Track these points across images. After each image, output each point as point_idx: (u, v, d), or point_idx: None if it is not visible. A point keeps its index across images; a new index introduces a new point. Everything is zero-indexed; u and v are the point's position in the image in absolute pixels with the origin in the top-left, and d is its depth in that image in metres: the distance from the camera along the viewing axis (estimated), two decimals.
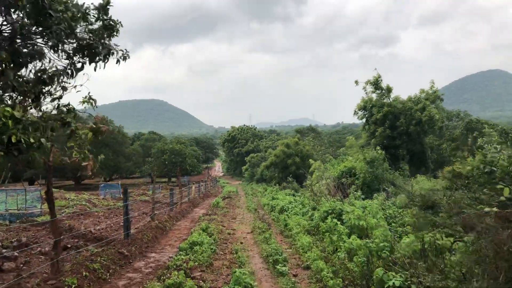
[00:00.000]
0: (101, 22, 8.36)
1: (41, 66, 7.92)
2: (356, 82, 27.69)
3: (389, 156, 21.25)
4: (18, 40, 7.58)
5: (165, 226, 12.97)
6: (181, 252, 8.88)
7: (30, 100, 7.72)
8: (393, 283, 5.04)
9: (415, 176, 18.06)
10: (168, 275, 6.95)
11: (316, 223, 11.21)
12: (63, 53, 8.22)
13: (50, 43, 7.71)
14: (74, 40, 8.16)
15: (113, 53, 8.63)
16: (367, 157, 17.86)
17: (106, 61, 8.62)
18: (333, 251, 8.34)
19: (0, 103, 6.64)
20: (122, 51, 8.76)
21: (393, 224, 9.64)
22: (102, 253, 8.03)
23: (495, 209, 3.93)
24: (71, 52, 8.30)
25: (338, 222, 9.63)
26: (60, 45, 7.83)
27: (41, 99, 7.82)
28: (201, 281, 6.82)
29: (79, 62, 8.42)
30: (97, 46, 8.34)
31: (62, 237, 9.37)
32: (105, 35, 8.54)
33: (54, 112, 7.73)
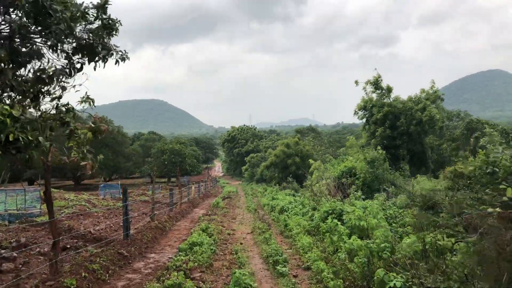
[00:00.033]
0: (100, 21, 8.32)
1: (40, 66, 7.89)
2: (356, 82, 27.67)
3: (390, 156, 21.22)
4: (17, 40, 7.55)
5: (164, 227, 12.93)
6: (180, 253, 8.84)
7: (29, 99, 7.69)
8: (394, 284, 5.00)
9: (415, 176, 18.02)
10: (168, 276, 6.91)
11: (316, 224, 11.17)
12: (62, 53, 8.19)
13: (49, 43, 7.68)
14: (73, 40, 8.12)
15: (112, 54, 8.60)
16: (368, 157, 17.82)
17: (105, 61, 8.59)
18: (334, 251, 8.30)
19: None
20: (121, 52, 8.72)
21: (393, 224, 9.60)
22: (102, 254, 7.99)
23: (498, 209, 3.89)
24: (70, 52, 8.27)
25: (339, 223, 9.59)
26: (59, 45, 7.79)
27: (40, 99, 7.79)
28: (200, 282, 6.78)
29: (78, 62, 8.39)
30: (96, 46, 8.30)
31: (61, 237, 9.34)
32: (105, 35, 8.51)
33: (53, 111, 7.70)
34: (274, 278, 7.29)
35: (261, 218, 15.60)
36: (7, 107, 5.10)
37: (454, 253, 5.65)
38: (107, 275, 7.12)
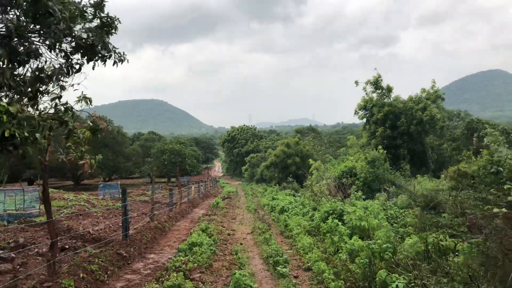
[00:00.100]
0: (98, 20, 8.26)
1: (38, 65, 7.83)
2: (356, 82, 27.63)
3: (390, 156, 21.16)
4: (15, 39, 7.49)
5: (164, 227, 12.86)
6: (180, 253, 8.77)
7: (27, 98, 7.62)
8: (397, 285, 4.94)
9: (415, 176, 17.97)
10: (167, 276, 6.85)
11: (316, 224, 11.10)
12: (61, 52, 8.13)
13: (47, 42, 7.61)
14: (72, 39, 8.06)
15: (111, 55, 8.54)
16: (368, 157, 17.76)
17: (104, 61, 8.53)
18: (334, 252, 8.23)
19: None
20: (120, 53, 8.66)
21: (394, 224, 9.54)
22: (100, 254, 7.92)
23: (504, 209, 3.82)
24: (68, 51, 8.21)
25: (339, 223, 9.52)
26: (58, 44, 7.73)
27: (38, 98, 7.72)
28: (200, 283, 6.72)
29: (77, 63, 8.33)
30: (96, 45, 8.24)
31: (60, 238, 9.27)
32: (104, 33, 8.44)
33: (52, 111, 7.63)
34: (274, 279, 7.22)
35: (261, 218, 15.53)
36: (4, 103, 5.03)
37: (457, 253, 5.59)
38: (106, 276, 7.05)
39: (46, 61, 7.96)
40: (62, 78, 7.99)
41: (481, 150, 8.01)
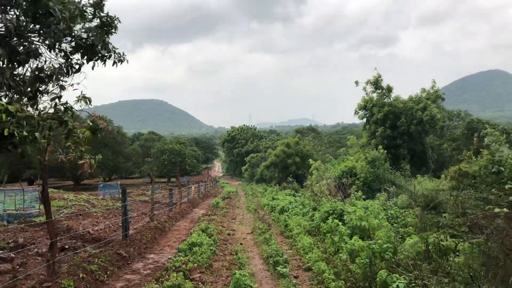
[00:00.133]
0: (98, 20, 8.25)
1: (38, 65, 7.81)
2: (356, 82, 27.63)
3: (390, 156, 21.15)
4: (14, 39, 7.47)
5: (164, 227, 12.84)
6: (180, 253, 8.75)
7: (26, 98, 7.61)
8: (397, 285, 4.92)
9: (415, 176, 17.95)
10: (167, 276, 6.83)
11: (317, 224, 11.09)
12: (61, 52, 8.11)
13: (47, 42, 7.59)
14: (72, 39, 8.05)
15: (110, 55, 8.53)
16: (369, 157, 17.74)
17: (104, 61, 8.51)
18: (335, 252, 8.21)
19: None
20: (119, 54, 8.65)
21: (395, 224, 9.52)
22: (100, 254, 7.90)
23: (505, 209, 3.80)
24: (68, 51, 8.20)
25: (340, 223, 9.50)
26: (57, 44, 7.72)
27: (38, 98, 7.71)
28: (200, 283, 6.70)
29: (77, 63, 8.31)
30: (96, 45, 8.23)
31: (60, 238, 9.25)
32: (104, 33, 8.43)
33: (51, 110, 7.61)
34: (274, 279, 7.20)
35: (261, 218, 15.51)
36: (3, 102, 5.02)
37: (457, 254, 5.57)
38: (106, 276, 7.03)
39: (45, 61, 7.96)
40: (61, 78, 7.98)
41: (481, 150, 7.99)
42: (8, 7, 7.43)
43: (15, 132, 4.89)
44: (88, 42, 8.26)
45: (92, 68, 8.45)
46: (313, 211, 13.50)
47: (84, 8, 8.00)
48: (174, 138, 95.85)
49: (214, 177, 67.16)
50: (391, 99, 27.33)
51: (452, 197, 5.40)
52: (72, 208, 16.40)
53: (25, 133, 4.99)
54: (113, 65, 8.71)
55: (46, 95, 7.88)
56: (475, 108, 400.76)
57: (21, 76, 7.67)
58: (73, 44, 8.17)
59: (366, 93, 27.61)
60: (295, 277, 7.25)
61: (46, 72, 7.75)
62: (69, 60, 8.29)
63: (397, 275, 5.12)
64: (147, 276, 7.31)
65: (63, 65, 8.09)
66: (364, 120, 28.61)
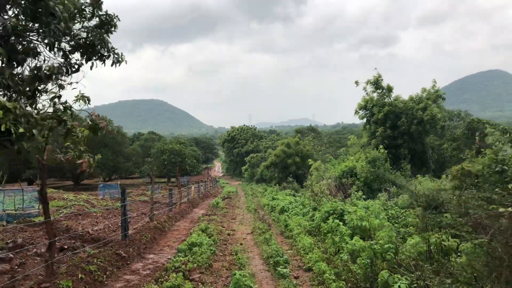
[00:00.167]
0: (97, 19, 8.20)
1: (37, 64, 7.76)
2: (357, 82, 27.59)
3: (391, 155, 21.10)
4: (13, 38, 7.43)
5: (164, 227, 12.79)
6: (179, 254, 8.70)
7: (25, 98, 7.56)
8: (399, 286, 4.87)
9: (416, 177, 17.91)
10: (166, 277, 6.78)
11: (317, 224, 11.04)
12: (59, 51, 8.06)
13: (46, 41, 7.55)
14: (71, 38, 8.00)
15: (109, 56, 8.48)
16: (369, 157, 17.70)
17: (103, 60, 8.47)
18: (335, 252, 8.17)
19: None
20: (118, 54, 8.61)
21: (395, 224, 9.48)
22: (99, 255, 7.85)
23: (509, 209, 3.75)
24: (67, 50, 8.15)
25: (340, 223, 9.45)
26: (57, 43, 7.67)
27: (37, 97, 7.66)
28: (200, 284, 6.66)
29: (75, 63, 8.26)
30: (96, 44, 8.18)
31: (59, 238, 9.20)
32: (103, 32, 8.38)
33: (50, 110, 7.57)
34: (274, 280, 7.15)
35: (261, 218, 15.46)
36: (1, 99, 4.98)
37: (459, 254, 5.52)
38: (105, 276, 6.98)
39: (44, 60, 7.91)
40: (61, 77, 7.93)
41: (482, 149, 7.94)
42: (8, 6, 7.39)
43: (12, 129, 4.84)
44: (88, 42, 8.22)
45: (91, 68, 8.40)
46: (313, 211, 13.45)
47: (83, 7, 7.95)
48: (174, 138, 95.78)
49: (214, 177, 67.09)
50: (392, 99, 27.28)
51: (455, 197, 5.35)
52: (72, 208, 16.36)
53: (21, 129, 4.94)
54: (112, 65, 8.66)
55: (45, 94, 7.84)
56: (475, 108, 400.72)
57: (20, 76, 7.62)
58: (72, 43, 8.12)
59: (366, 93, 27.58)
60: (296, 278, 7.20)
61: (45, 71, 7.70)
62: (68, 59, 8.24)
63: (399, 276, 5.07)
64: (147, 277, 7.26)
65: (62, 65, 8.04)
66: (364, 120, 28.55)
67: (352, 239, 7.75)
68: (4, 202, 15.80)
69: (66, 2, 7.23)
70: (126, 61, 8.92)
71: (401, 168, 21.38)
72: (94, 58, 8.44)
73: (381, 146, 19.68)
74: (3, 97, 7.31)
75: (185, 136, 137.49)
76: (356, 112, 27.99)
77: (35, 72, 7.62)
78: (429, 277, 4.76)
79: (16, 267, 7.43)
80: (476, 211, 4.63)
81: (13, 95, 7.44)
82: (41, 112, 7.30)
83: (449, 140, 34.90)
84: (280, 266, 7.62)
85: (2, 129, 4.72)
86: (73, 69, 8.28)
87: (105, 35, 8.45)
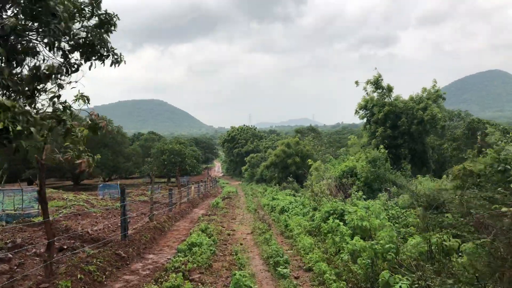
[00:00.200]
0: (97, 18, 8.17)
1: (36, 63, 7.73)
2: (357, 82, 27.57)
3: (391, 155, 21.07)
4: (12, 38, 7.40)
5: (163, 227, 12.75)
6: (179, 254, 8.67)
7: (24, 97, 7.53)
8: (400, 286, 4.83)
9: (416, 177, 17.88)
10: (166, 277, 6.75)
11: (317, 224, 11.01)
12: (59, 51, 8.03)
13: (45, 40, 7.52)
14: (71, 38, 7.97)
15: (108, 55, 8.45)
16: (369, 156, 17.67)
17: (103, 60, 8.44)
18: (336, 252, 8.13)
19: None
20: (117, 54, 8.58)
21: (396, 224, 9.45)
22: (99, 255, 7.81)
23: None
24: (66, 50, 8.12)
25: (341, 223, 9.42)
26: (56, 43, 7.64)
27: (36, 96, 7.63)
28: (199, 284, 6.62)
29: (75, 63, 8.24)
30: (96, 44, 8.15)
31: (58, 238, 9.17)
32: (103, 31, 8.35)
33: (49, 109, 7.54)
34: (275, 280, 7.12)
35: (261, 218, 15.43)
36: None
37: (460, 254, 5.49)
38: (104, 276, 6.95)
39: (44, 59, 7.88)
40: (60, 77, 7.90)
41: (483, 149, 7.91)
42: (7, 5, 7.36)
43: (10, 127, 4.81)
44: (87, 42, 8.19)
45: (89, 68, 8.37)
46: (313, 211, 13.42)
47: (82, 6, 7.92)
48: (174, 138, 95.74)
49: (214, 177, 67.05)
50: (392, 98, 27.26)
51: (457, 196, 5.32)
52: (71, 208, 16.32)
53: (19, 127, 4.91)
54: (111, 65, 8.64)
55: (44, 94, 7.80)
56: (475, 108, 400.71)
57: (19, 75, 7.59)
58: (71, 43, 8.10)
59: (367, 93, 27.56)
60: (296, 278, 7.17)
61: (44, 71, 7.67)
62: (68, 59, 8.21)
63: (400, 276, 5.04)
64: (146, 277, 7.23)
65: (62, 64, 8.01)
66: (365, 120, 28.53)
67: (352, 239, 7.72)
68: (3, 202, 15.77)
69: (66, 2, 7.20)
70: (125, 62, 8.90)
71: (401, 168, 21.36)
72: (94, 58, 8.42)
73: (381, 146, 19.65)
74: (2, 97, 7.28)
75: (185, 136, 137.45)
76: (356, 112, 27.97)
77: (34, 71, 7.59)
78: (430, 278, 4.73)
79: (15, 267, 7.40)
80: (478, 210, 4.60)
81: (12, 94, 7.42)
82: (40, 111, 7.27)
83: (449, 140, 34.88)
84: (280, 266, 7.59)
85: (0, 126, 4.70)
86: (73, 69, 8.25)
87: (104, 35, 8.42)
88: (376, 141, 25.19)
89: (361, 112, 27.86)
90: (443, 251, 5.59)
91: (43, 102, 7.62)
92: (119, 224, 10.93)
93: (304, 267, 7.80)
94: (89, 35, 8.21)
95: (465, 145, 29.54)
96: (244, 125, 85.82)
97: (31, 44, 7.70)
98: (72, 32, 7.92)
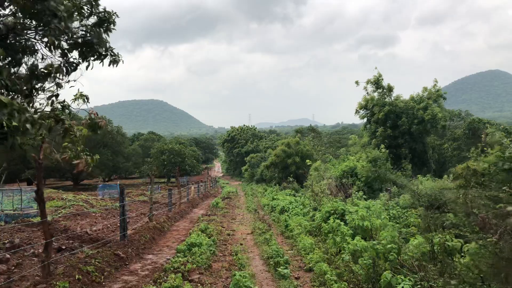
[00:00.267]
0: (95, 16, 8.11)
1: (34, 62, 7.67)
2: (357, 82, 27.52)
3: (391, 155, 21.01)
4: (10, 37, 7.34)
5: (163, 227, 12.68)
6: (179, 254, 8.60)
7: (22, 96, 7.46)
8: (402, 287, 4.77)
9: (416, 176, 17.82)
10: (165, 278, 6.69)
11: (318, 224, 10.94)
12: (58, 49, 7.97)
13: (45, 39, 7.46)
14: (70, 37, 7.91)
15: (107, 55, 8.39)
16: (370, 156, 17.60)
17: (101, 59, 8.37)
18: (337, 252, 8.06)
19: None
20: (115, 54, 8.52)
21: (397, 224, 9.38)
22: (97, 255, 7.74)
23: None
24: (65, 49, 8.05)
25: (341, 223, 9.35)
26: (55, 42, 7.58)
27: (34, 95, 7.56)
28: (199, 285, 6.56)
29: (73, 63, 8.17)
30: (94, 43, 8.08)
31: (57, 238, 9.11)
32: (102, 29, 8.29)
33: (48, 109, 7.47)
34: (275, 280, 7.06)
35: (261, 218, 15.36)
36: None
37: (463, 254, 5.43)
38: (102, 277, 6.88)
39: (42, 58, 7.82)
40: (59, 76, 7.84)
41: (485, 148, 7.83)
42: (5, 3, 7.30)
43: (4, 123, 4.74)
44: (86, 40, 8.13)
45: (86, 68, 8.30)
46: (313, 211, 13.35)
47: (81, 5, 7.86)
48: (174, 138, 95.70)
49: (214, 177, 66.99)
50: (392, 98, 27.20)
51: (461, 196, 5.26)
52: (70, 208, 16.26)
53: (14, 123, 4.84)
54: (109, 65, 8.58)
55: (42, 93, 7.74)
56: (475, 109, 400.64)
57: (16, 74, 7.53)
58: (70, 41, 8.03)
59: (367, 93, 27.50)
60: (296, 278, 7.11)
61: (42, 69, 7.61)
62: (67, 58, 8.15)
63: (402, 276, 4.98)
64: (145, 277, 7.16)
65: (61, 64, 7.95)
66: (365, 119, 28.47)
67: (353, 239, 7.65)
68: (2, 202, 15.71)
69: (66, 1, 7.14)
70: (123, 61, 8.83)
71: (401, 168, 21.29)
72: (92, 58, 8.35)
73: (382, 146, 19.59)
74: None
75: (185, 136, 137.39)
76: (357, 112, 27.92)
77: (32, 70, 7.53)
78: (433, 278, 4.67)
79: (13, 267, 7.33)
80: (479, 210, 4.54)
81: (10, 93, 7.35)
82: (38, 111, 7.21)
83: (449, 140, 34.82)
84: (281, 267, 7.52)
85: None
86: (72, 68, 8.19)
87: (104, 34, 8.36)
88: (377, 141, 25.13)
89: (361, 112, 27.80)
90: (446, 251, 5.53)
91: (41, 101, 7.56)
92: (118, 224, 10.87)
93: (305, 268, 7.73)
94: (87, 34, 8.15)
95: (466, 145, 29.48)
96: (244, 125, 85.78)
97: (29, 43, 7.64)
98: (71, 31, 7.86)
